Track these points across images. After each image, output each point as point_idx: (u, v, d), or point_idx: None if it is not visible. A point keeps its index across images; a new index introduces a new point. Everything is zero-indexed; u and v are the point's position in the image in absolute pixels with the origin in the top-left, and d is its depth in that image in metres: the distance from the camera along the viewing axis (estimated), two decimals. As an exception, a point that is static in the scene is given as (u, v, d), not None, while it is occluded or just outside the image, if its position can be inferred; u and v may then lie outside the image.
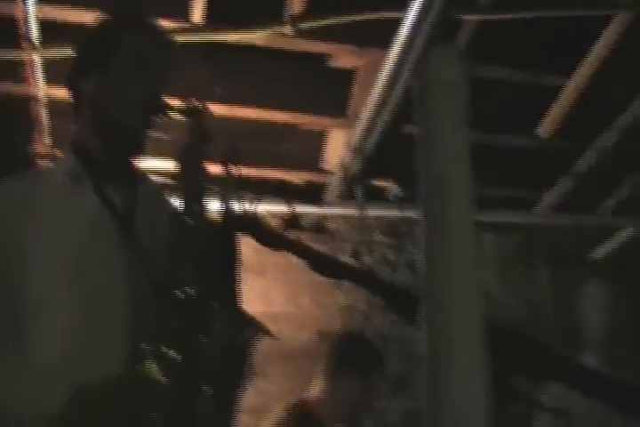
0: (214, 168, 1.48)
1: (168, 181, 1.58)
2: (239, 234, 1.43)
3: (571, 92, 3.35)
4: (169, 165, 1.49)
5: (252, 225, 1.45)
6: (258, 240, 1.50)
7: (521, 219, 3.95)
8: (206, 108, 1.50)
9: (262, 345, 3.10)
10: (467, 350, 1.08)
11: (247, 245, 1.45)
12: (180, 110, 1.49)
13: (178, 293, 1.34)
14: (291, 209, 3.07)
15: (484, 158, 3.08)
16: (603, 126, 3.54)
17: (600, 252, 4.08)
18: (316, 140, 3.50)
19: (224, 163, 1.43)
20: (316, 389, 2.57)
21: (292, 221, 3.01)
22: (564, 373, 1.47)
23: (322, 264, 1.69)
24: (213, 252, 1.39)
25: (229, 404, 1.41)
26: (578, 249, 4.09)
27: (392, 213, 3.39)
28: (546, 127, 3.57)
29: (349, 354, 2.59)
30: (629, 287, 4.03)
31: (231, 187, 1.42)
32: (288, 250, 1.57)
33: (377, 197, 3.37)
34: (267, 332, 1.40)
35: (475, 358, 1.08)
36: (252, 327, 1.37)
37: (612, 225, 4.03)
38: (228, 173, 1.43)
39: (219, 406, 1.36)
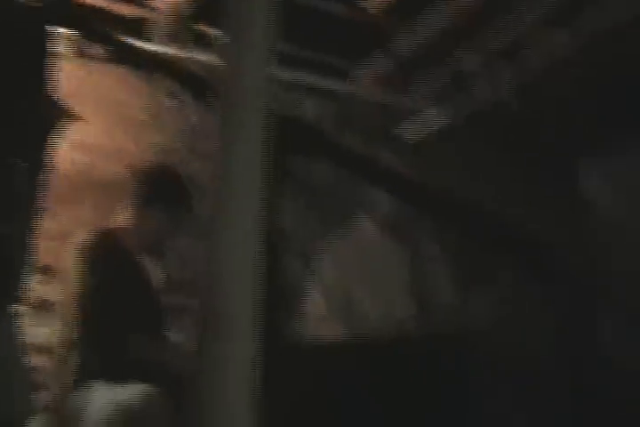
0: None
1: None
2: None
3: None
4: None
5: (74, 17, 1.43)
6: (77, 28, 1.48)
7: (336, 87, 4.06)
8: None
9: (72, 173, 3.16)
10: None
11: (72, 73, 1.50)
12: None
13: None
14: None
15: (304, 21, 3.23)
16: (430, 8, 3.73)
17: (407, 132, 4.38)
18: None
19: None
20: (122, 218, 2.64)
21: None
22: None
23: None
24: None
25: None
26: (385, 125, 4.36)
27: (213, 59, 3.42)
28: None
29: (159, 188, 2.66)
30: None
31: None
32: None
33: (202, 41, 3.42)
34: (70, 115, 1.43)
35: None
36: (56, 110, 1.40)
37: (421, 108, 4.28)
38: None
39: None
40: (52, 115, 1.40)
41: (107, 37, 1.67)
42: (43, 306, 2.90)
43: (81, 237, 2.51)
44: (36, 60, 1.43)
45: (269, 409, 1.23)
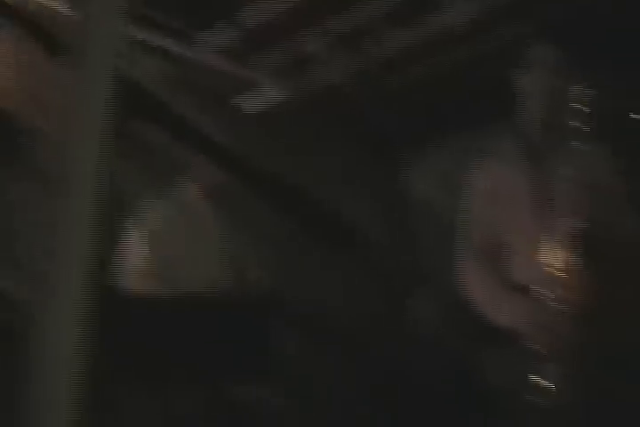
0: None
1: None
2: None
3: None
4: None
5: None
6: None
7: (181, 51, 4.11)
8: None
9: None
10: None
11: None
12: None
13: None
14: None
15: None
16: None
17: (245, 104, 4.53)
18: None
19: None
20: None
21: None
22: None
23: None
24: None
25: None
26: (224, 94, 4.48)
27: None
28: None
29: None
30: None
31: None
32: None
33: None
34: None
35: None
36: None
37: (261, 82, 4.43)
38: None
39: None
40: None
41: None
42: None
43: None
44: None
45: (96, 361, 1.32)
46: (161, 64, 4.13)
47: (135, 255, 2.67)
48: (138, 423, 2.25)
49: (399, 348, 4.42)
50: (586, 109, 2.27)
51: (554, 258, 2.19)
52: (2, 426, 1.45)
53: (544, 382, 2.16)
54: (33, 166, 2.36)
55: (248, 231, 2.86)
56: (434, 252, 5.25)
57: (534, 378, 2.17)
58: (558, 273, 2.17)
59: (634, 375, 2.26)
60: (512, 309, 2.30)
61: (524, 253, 2.37)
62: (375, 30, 4.11)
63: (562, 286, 2.17)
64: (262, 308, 2.08)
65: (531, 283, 2.25)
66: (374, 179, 5.38)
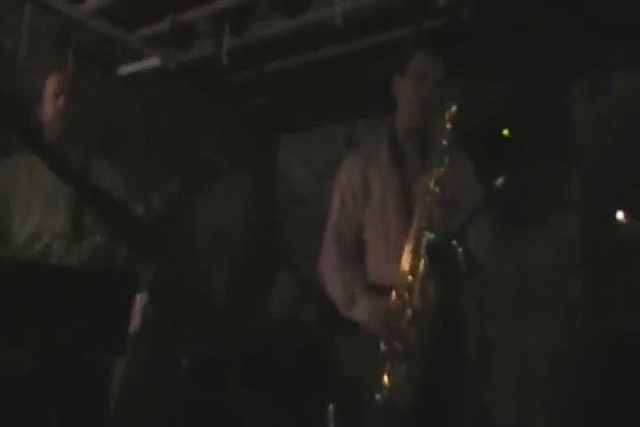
0: None
1: None
2: None
3: None
4: None
5: None
6: None
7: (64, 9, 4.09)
8: None
9: None
10: None
11: None
12: None
13: None
14: None
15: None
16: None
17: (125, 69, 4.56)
18: None
19: None
20: None
21: None
22: None
23: None
24: None
25: None
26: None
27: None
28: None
29: None
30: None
31: None
32: None
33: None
34: None
35: None
36: None
37: (142, 48, 4.47)
38: None
39: None
40: None
41: None
42: None
43: None
44: None
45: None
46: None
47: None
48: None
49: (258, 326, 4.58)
50: (449, 123, 2.32)
51: (407, 262, 2.27)
52: None
53: (386, 379, 2.25)
54: None
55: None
56: (297, 238, 5.42)
57: (379, 373, 2.26)
58: (410, 277, 2.26)
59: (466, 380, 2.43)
60: (364, 306, 2.36)
61: (382, 254, 2.44)
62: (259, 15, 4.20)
63: (412, 289, 2.26)
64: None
65: (385, 283, 2.33)
66: (235, 153, 5.47)
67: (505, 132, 4.50)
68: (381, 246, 2.46)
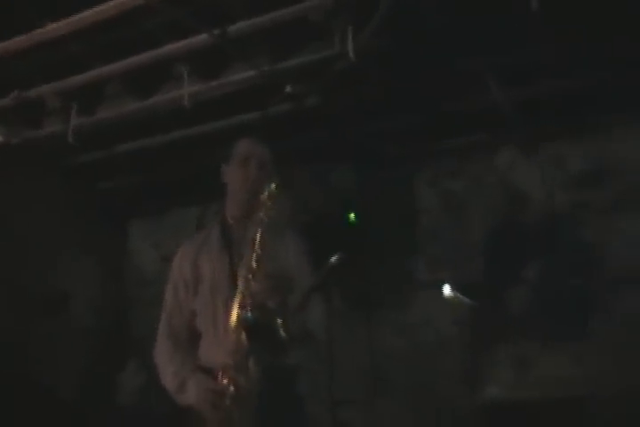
0: None
1: None
2: None
3: None
4: None
5: None
6: None
7: None
8: None
9: None
10: None
11: None
12: None
13: None
14: None
15: None
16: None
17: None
18: None
19: None
20: None
21: None
22: None
23: None
24: None
25: None
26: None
27: None
28: None
29: None
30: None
31: None
32: None
33: None
34: None
35: None
36: None
37: None
38: None
39: None
40: None
41: None
42: None
43: None
44: None
45: None
46: None
47: None
48: None
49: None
50: (269, 200, 2.34)
51: (231, 342, 2.27)
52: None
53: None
54: None
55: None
56: (146, 323, 5.25)
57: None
58: (235, 356, 2.26)
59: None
60: (193, 388, 2.37)
61: (211, 338, 2.47)
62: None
63: (236, 368, 2.27)
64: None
65: (214, 365, 2.34)
66: (82, 238, 5.32)
67: (351, 216, 4.65)
68: (210, 331, 2.48)
